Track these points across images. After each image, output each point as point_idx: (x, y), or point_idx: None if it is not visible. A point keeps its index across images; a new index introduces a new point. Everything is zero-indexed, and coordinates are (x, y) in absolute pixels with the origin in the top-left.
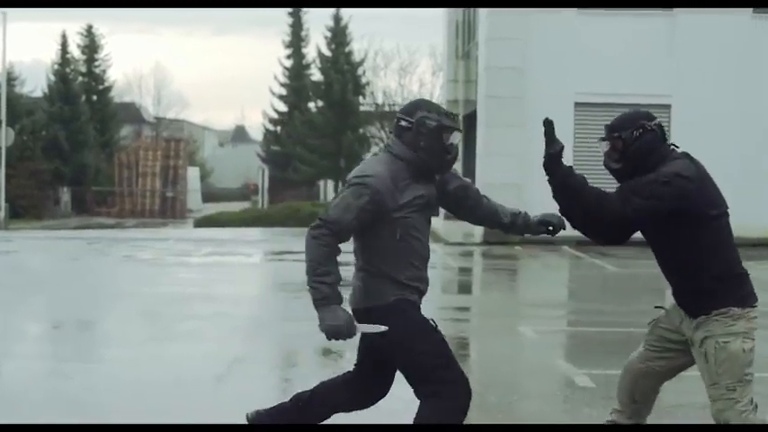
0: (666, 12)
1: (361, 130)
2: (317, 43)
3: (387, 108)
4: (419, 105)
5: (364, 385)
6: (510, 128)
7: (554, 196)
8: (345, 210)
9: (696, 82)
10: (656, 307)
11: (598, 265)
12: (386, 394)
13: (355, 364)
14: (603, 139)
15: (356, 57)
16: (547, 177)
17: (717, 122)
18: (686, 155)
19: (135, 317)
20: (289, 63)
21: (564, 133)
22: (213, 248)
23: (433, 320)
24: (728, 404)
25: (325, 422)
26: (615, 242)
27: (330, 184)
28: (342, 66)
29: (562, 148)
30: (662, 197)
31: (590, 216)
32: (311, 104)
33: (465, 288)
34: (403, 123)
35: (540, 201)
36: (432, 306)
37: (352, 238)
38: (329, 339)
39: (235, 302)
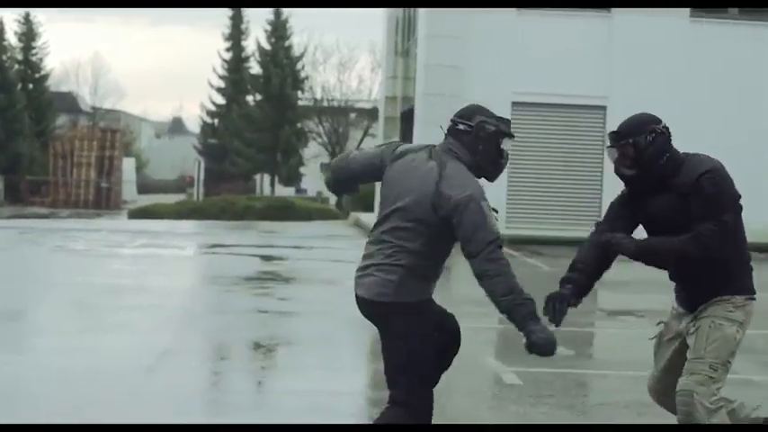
0: (604, 13)
1: (299, 125)
2: (256, 36)
3: (325, 103)
4: (477, 110)
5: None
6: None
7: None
8: (495, 221)
9: (632, 84)
10: (658, 323)
11: (531, 264)
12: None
13: None
14: (611, 147)
15: (296, 51)
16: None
17: None
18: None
19: (66, 307)
20: (228, 56)
21: None
22: (147, 240)
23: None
24: (706, 381)
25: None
26: None
27: (266, 178)
28: (281, 60)
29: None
30: (735, 194)
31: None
32: (249, 98)
33: None
34: (461, 127)
35: None
36: None
37: (399, 226)
38: (540, 353)
39: (167, 294)
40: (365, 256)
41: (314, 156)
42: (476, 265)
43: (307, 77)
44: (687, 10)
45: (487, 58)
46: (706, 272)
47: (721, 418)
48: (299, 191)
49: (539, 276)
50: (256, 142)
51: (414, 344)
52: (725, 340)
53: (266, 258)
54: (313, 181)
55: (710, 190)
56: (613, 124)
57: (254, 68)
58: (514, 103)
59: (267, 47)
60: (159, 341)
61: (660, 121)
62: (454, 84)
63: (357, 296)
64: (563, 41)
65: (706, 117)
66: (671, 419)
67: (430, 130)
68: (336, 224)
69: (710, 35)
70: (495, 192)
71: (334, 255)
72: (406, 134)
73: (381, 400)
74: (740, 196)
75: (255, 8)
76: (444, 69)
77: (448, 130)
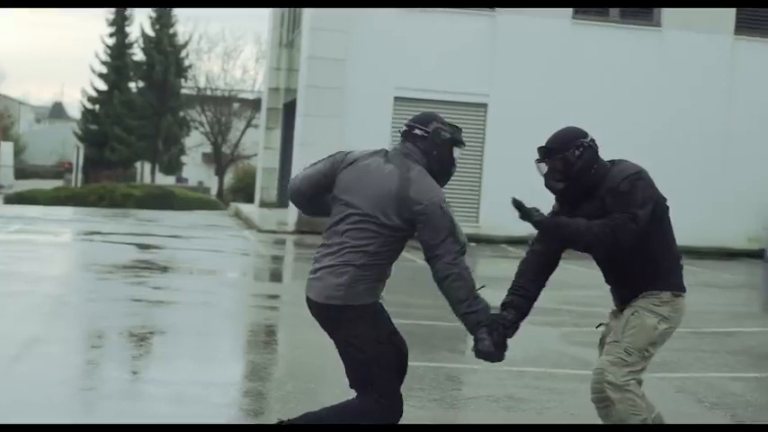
0: (488, 12)
1: (181, 114)
2: (141, 23)
3: (209, 92)
4: (433, 117)
5: None
6: (329, 118)
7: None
8: (460, 228)
9: (514, 83)
10: (598, 326)
11: (408, 259)
12: None
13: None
14: (540, 161)
15: (180, 39)
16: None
17: (532, 124)
18: (615, 160)
19: None
20: (111, 41)
21: (382, 127)
22: (22, 226)
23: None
24: (618, 362)
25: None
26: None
27: (147, 166)
28: (165, 47)
29: (538, 211)
30: (651, 196)
31: (610, 246)
32: (132, 84)
33: (276, 276)
34: (418, 132)
35: None
36: (243, 293)
37: (355, 228)
38: (486, 359)
39: (38, 281)
40: (316, 259)
41: (196, 145)
42: (439, 268)
43: (190, 66)
44: (570, 11)
45: (371, 52)
46: (637, 271)
47: (629, 398)
48: (179, 180)
49: (415, 271)
50: (137, 130)
51: (372, 345)
52: (642, 328)
53: (143, 247)
54: (194, 170)
55: (624, 188)
56: (494, 122)
57: (138, 55)
58: (397, 98)
59: (151, 34)
60: (27, 329)
61: (587, 135)
62: (337, 77)
63: (308, 299)
64: (446, 38)
65: (585, 117)
66: (535, 414)
67: (312, 122)
68: (216, 214)
69: (592, 36)
70: None
71: (212, 245)
72: (288, 126)
73: (255, 391)
74: (664, 199)
75: (143, 8)
76: (328, 62)
77: (403, 134)
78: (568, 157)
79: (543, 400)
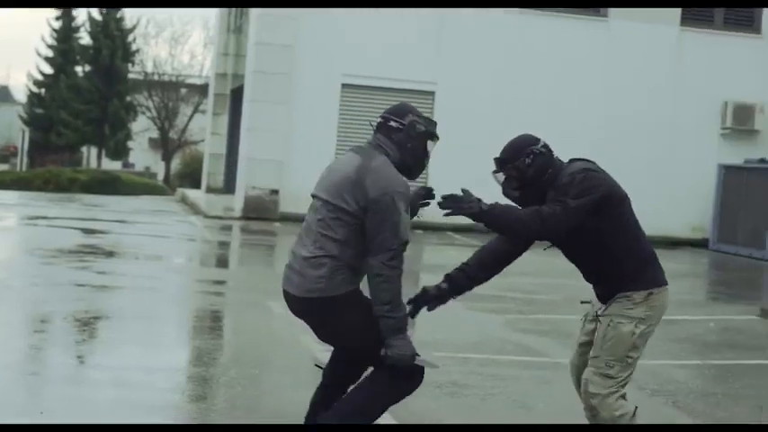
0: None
1: (128, 98)
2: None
3: (156, 77)
4: (409, 109)
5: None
6: (276, 104)
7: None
8: (407, 225)
9: (461, 71)
10: (583, 302)
11: None
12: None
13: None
14: (497, 172)
15: (128, 23)
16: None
17: (480, 113)
18: (572, 159)
19: None
20: (57, 24)
21: (329, 113)
22: None
23: None
24: (599, 377)
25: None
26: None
27: (93, 150)
28: (112, 31)
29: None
30: (589, 189)
31: (535, 233)
32: (78, 69)
33: (222, 262)
34: (393, 124)
35: (300, 176)
36: (189, 279)
37: (324, 218)
38: (394, 364)
39: None
40: (293, 252)
41: (143, 130)
42: (373, 265)
43: (138, 50)
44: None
45: (319, 39)
46: (605, 270)
47: (612, 405)
48: (126, 165)
49: None
50: (84, 114)
51: (364, 329)
52: (620, 338)
53: (88, 232)
54: (141, 155)
55: (563, 181)
56: (441, 110)
57: (85, 39)
58: (344, 85)
59: (98, 17)
60: None
61: (538, 141)
62: (285, 63)
63: (287, 293)
64: (394, 26)
65: (532, 107)
66: (478, 401)
67: (259, 108)
68: (163, 199)
69: (539, 26)
70: (321, 172)
71: (158, 230)
72: (236, 111)
73: (199, 377)
74: (623, 197)
75: (92, 8)
76: (276, 48)
77: (377, 125)
78: (519, 166)
79: (487, 386)
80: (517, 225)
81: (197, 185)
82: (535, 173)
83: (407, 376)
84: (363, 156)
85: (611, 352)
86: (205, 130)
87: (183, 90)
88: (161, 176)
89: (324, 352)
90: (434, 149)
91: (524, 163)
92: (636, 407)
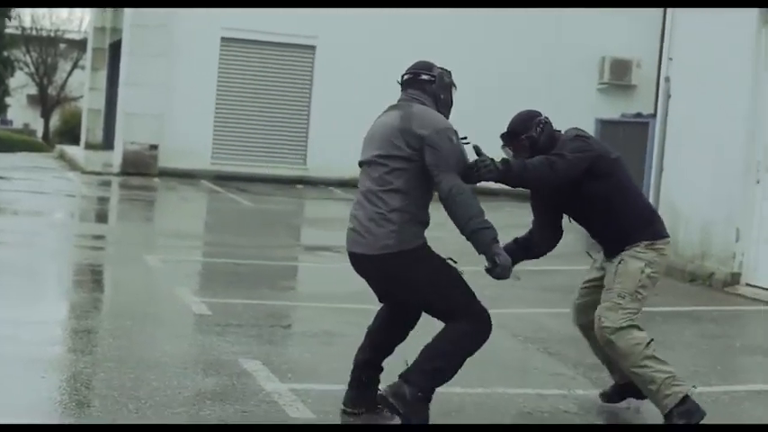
0: None
1: (5, 54)
2: None
3: (34, 32)
4: (431, 63)
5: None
6: (155, 58)
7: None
8: (464, 152)
9: (341, 26)
10: (587, 252)
11: (234, 200)
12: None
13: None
14: (506, 146)
15: None
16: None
17: (360, 69)
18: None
19: None
20: None
21: (209, 67)
22: None
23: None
24: (614, 306)
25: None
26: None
27: None
28: None
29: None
30: (582, 149)
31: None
32: None
33: (102, 217)
34: (425, 77)
35: (180, 131)
36: (68, 234)
37: (380, 176)
38: (500, 275)
39: None
40: (354, 216)
41: (20, 86)
42: (448, 188)
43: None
44: None
45: None
46: (611, 231)
47: (627, 336)
48: (4, 122)
49: (241, 212)
50: None
51: (436, 280)
52: (631, 273)
53: None
54: (19, 112)
55: (560, 144)
56: (322, 64)
57: None
58: (224, 39)
59: None
60: None
61: (540, 114)
62: (163, 15)
63: (354, 255)
64: None
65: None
66: (349, 348)
67: (138, 62)
68: (41, 156)
69: None
70: (200, 126)
71: (36, 186)
72: (114, 66)
73: (73, 329)
74: (616, 158)
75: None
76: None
77: (406, 82)
78: (533, 136)
79: (360, 335)
80: (535, 174)
81: (77, 142)
82: (545, 141)
83: (483, 320)
84: (401, 108)
85: (623, 285)
86: (84, 85)
87: (62, 45)
88: (40, 133)
89: (199, 304)
90: (316, 104)
91: (537, 132)
92: (652, 339)
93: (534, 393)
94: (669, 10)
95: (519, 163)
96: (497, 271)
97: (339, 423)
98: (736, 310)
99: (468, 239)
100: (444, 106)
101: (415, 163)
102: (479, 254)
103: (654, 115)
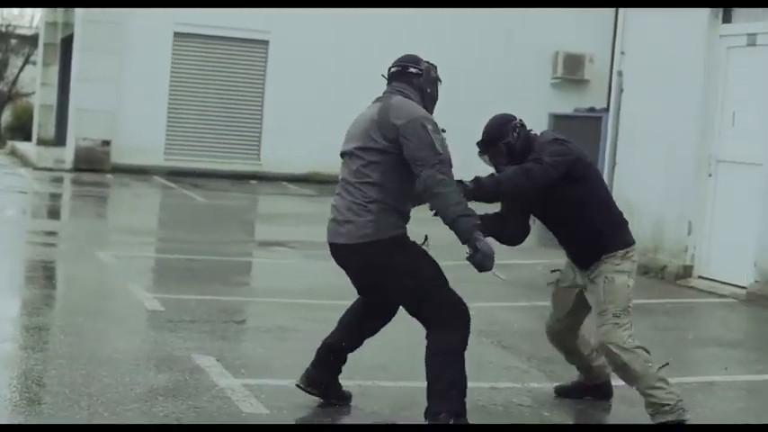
0: None
1: None
2: None
3: None
4: (418, 57)
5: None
6: (107, 53)
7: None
8: (443, 143)
9: (294, 21)
10: (553, 271)
11: (188, 196)
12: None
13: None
14: (483, 153)
15: None
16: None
17: (314, 64)
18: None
19: None
20: None
21: (161, 62)
22: None
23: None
24: (614, 328)
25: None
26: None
27: None
28: None
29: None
30: (561, 153)
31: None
32: None
33: (54, 213)
34: (413, 70)
35: (133, 127)
36: (20, 230)
37: (357, 168)
38: (481, 263)
39: None
40: (334, 206)
41: None
42: (427, 176)
43: None
44: None
45: None
46: (583, 238)
47: (638, 356)
48: None
49: (194, 208)
50: None
51: (413, 268)
52: (619, 290)
53: None
54: None
55: (538, 148)
56: (275, 60)
57: None
58: (177, 34)
59: None
60: None
61: (515, 117)
62: (115, 11)
63: (334, 245)
64: None
65: (365, 64)
66: (305, 343)
67: (89, 57)
68: None
69: None
70: (153, 122)
71: None
72: (66, 62)
73: (24, 326)
74: (591, 164)
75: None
76: None
77: (393, 75)
78: (510, 142)
79: (314, 330)
80: (510, 185)
81: (29, 138)
82: (522, 145)
83: (458, 316)
84: (382, 101)
85: (616, 304)
86: (36, 81)
87: (13, 41)
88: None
89: (151, 300)
90: (269, 99)
91: (513, 137)
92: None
93: (488, 387)
94: (621, 9)
95: (490, 179)
96: (478, 257)
97: (293, 418)
98: (689, 303)
99: (450, 229)
100: (430, 100)
101: (392, 155)
102: (462, 243)
103: (607, 110)
